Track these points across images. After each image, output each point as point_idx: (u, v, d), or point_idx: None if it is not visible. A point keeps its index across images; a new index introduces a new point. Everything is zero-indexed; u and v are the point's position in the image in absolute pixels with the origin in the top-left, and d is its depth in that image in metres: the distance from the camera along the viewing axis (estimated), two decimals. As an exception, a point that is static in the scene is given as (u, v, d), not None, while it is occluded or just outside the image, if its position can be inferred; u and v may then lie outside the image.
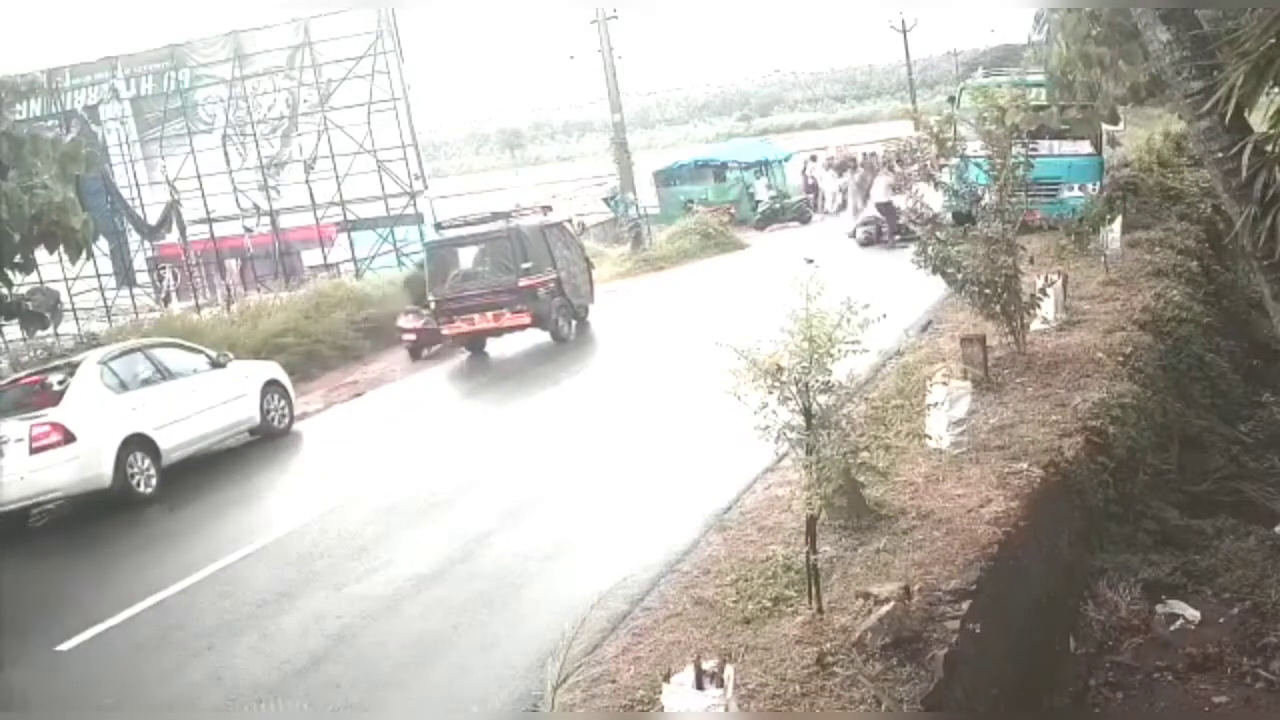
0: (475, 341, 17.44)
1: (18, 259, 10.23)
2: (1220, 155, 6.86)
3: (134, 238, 31.09)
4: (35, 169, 9.94)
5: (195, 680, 6.89)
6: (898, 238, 19.99)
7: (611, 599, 6.71)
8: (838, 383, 6.51)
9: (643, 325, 18.00)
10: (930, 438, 8.55)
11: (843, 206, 30.94)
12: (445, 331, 17.43)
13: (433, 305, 17.47)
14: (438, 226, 19.43)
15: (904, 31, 50.43)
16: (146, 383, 12.26)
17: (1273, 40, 6.02)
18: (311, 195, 28.61)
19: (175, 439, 11.96)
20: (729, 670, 4.70)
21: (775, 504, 7.86)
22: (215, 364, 13.24)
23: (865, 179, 24.72)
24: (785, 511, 7.56)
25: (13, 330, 17.39)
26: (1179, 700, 6.86)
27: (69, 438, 10.95)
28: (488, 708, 5.92)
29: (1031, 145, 11.33)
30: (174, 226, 27.51)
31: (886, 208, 20.92)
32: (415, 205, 28.52)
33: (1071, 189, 17.05)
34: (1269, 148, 6.35)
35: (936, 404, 8.58)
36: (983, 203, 11.02)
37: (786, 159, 36.58)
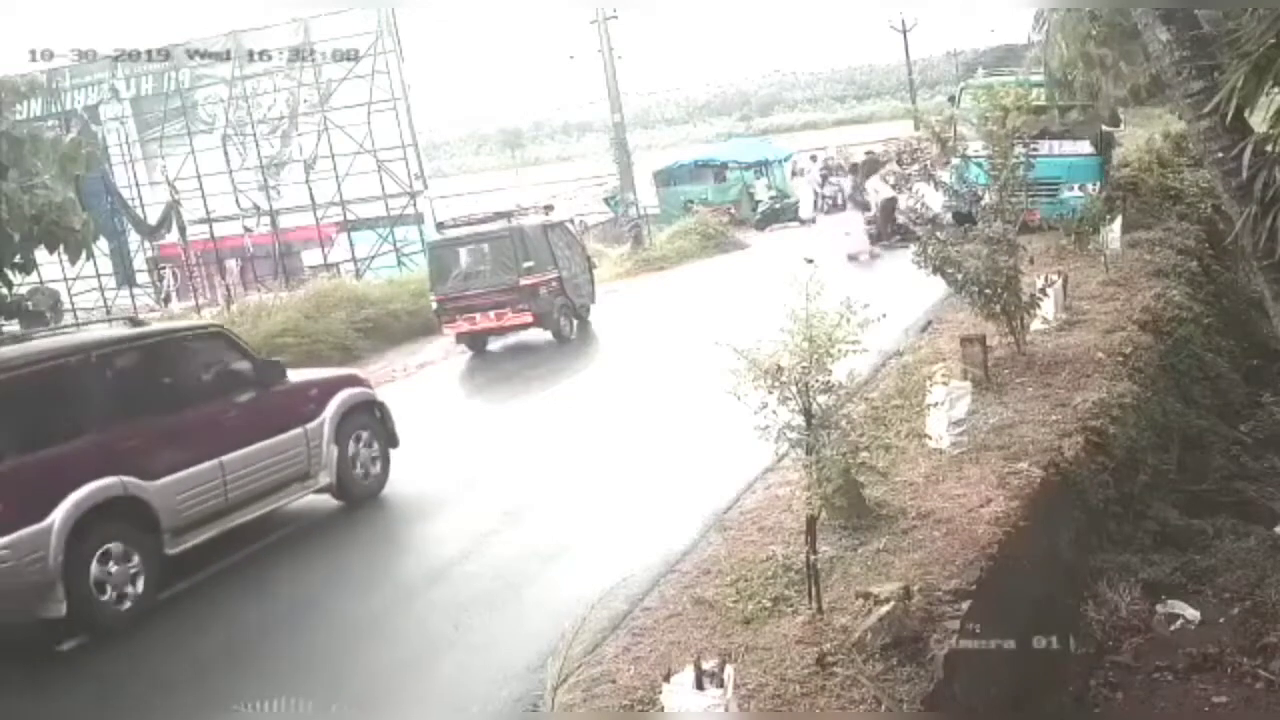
0: (477, 340, 17.47)
1: (18, 259, 10.21)
2: (1220, 155, 6.88)
3: (134, 238, 31.16)
4: (35, 169, 9.94)
5: (197, 677, 6.88)
6: (897, 238, 19.98)
7: (611, 599, 6.70)
8: (838, 383, 6.53)
9: (644, 325, 18.00)
10: (930, 438, 8.55)
11: (835, 207, 30.81)
12: (446, 330, 17.47)
13: (434, 305, 17.52)
14: (440, 226, 19.42)
15: (904, 31, 50.52)
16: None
17: (1273, 40, 6.03)
18: (311, 195, 28.64)
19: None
20: (729, 670, 4.70)
21: (775, 504, 7.86)
22: (216, 364, 13.21)
23: (857, 184, 24.46)
24: (785, 511, 7.55)
25: (12, 330, 17.36)
26: (1179, 700, 6.86)
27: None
28: (488, 708, 5.92)
29: (1032, 145, 11.34)
30: (174, 226, 27.50)
31: (886, 205, 20.89)
32: (415, 205, 28.57)
33: (1072, 189, 17.04)
34: (1269, 148, 6.37)
35: (936, 404, 8.59)
36: (983, 203, 11.03)
37: (786, 159, 36.58)
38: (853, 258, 20.32)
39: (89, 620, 7.32)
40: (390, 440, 10.11)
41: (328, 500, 9.61)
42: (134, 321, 10.39)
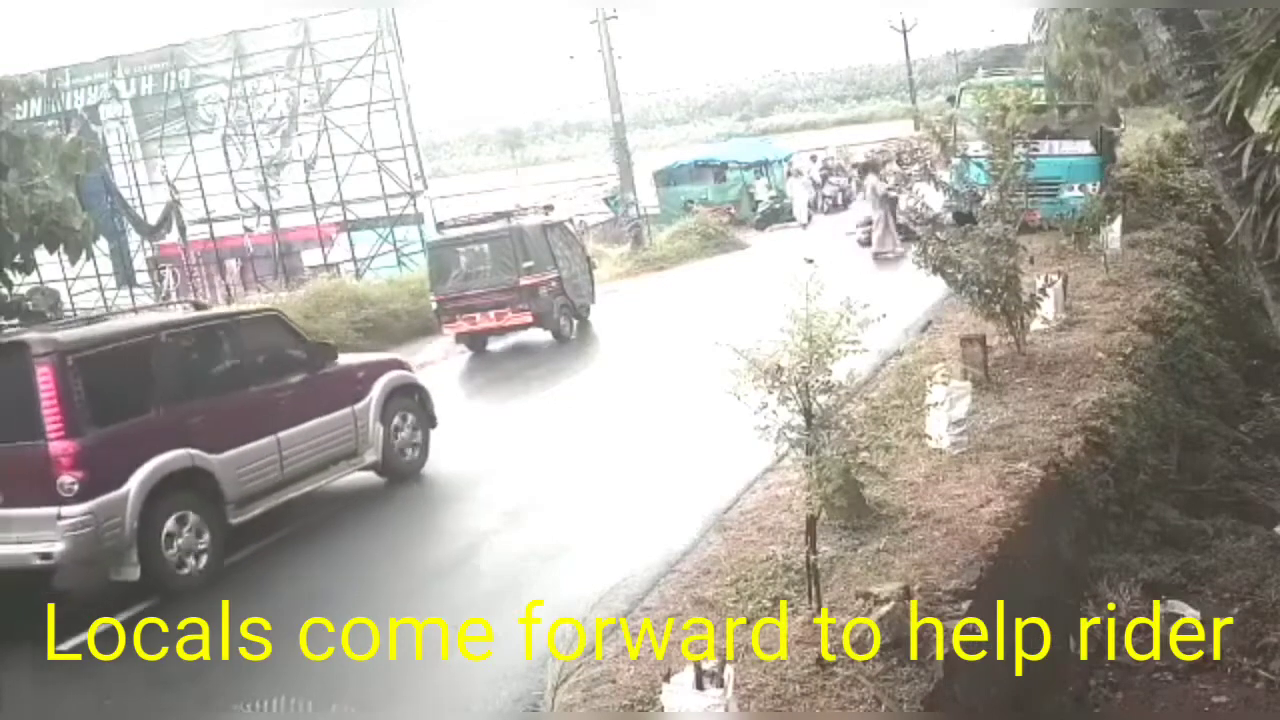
0: (477, 340, 17.47)
1: (18, 259, 10.22)
2: (1220, 155, 6.87)
3: (134, 238, 31.15)
4: (35, 169, 9.95)
5: (195, 680, 6.88)
6: (899, 237, 19.95)
7: (611, 599, 6.71)
8: (838, 383, 6.52)
9: (644, 325, 18.01)
10: (930, 438, 8.55)
11: (836, 207, 30.65)
12: (446, 330, 17.48)
13: (434, 305, 17.53)
14: (440, 226, 19.45)
15: (904, 31, 50.54)
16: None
17: (1273, 40, 6.02)
18: (311, 195, 28.64)
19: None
20: (729, 670, 4.69)
21: (775, 504, 7.85)
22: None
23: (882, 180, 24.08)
24: (785, 511, 7.55)
25: (12, 327, 17.34)
26: (1179, 700, 6.86)
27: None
28: (488, 707, 5.92)
29: (1032, 145, 11.33)
30: (174, 226, 27.50)
31: (889, 203, 20.82)
32: (415, 205, 28.54)
33: (1071, 189, 17.04)
34: (1269, 148, 6.35)
35: (936, 404, 8.58)
36: (983, 203, 11.02)
37: (786, 159, 36.58)
38: (879, 255, 20.30)
39: (160, 584, 7.89)
40: (430, 421, 10.63)
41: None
42: (197, 305, 10.99)
